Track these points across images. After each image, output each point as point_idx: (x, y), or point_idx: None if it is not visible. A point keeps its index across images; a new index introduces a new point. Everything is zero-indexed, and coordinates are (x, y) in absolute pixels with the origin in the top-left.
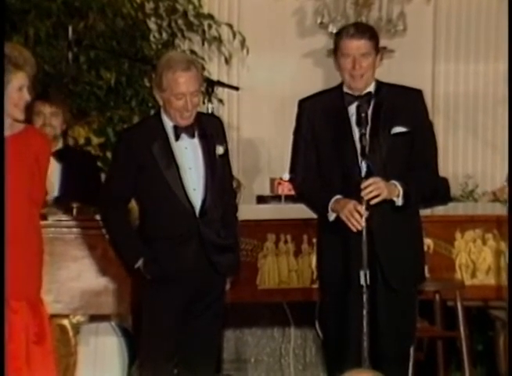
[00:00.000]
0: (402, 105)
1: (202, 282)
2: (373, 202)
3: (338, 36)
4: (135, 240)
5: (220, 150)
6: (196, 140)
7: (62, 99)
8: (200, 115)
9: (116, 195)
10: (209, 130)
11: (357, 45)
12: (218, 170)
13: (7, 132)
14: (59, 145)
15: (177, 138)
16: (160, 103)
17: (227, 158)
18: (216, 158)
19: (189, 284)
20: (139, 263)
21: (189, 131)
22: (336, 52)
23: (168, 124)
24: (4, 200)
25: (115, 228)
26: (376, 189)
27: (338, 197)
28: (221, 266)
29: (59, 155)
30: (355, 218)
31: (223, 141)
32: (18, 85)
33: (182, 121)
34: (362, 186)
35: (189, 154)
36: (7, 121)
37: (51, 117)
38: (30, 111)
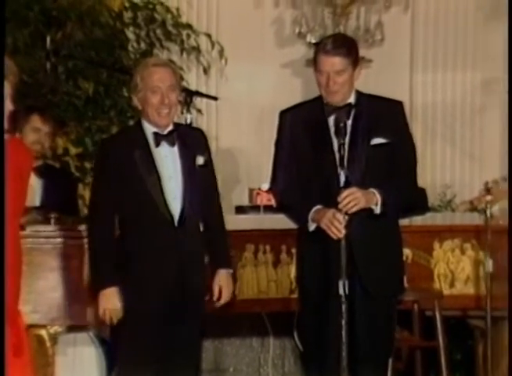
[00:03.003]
0: (382, 116)
1: (180, 290)
2: (350, 211)
3: (316, 49)
4: (111, 264)
5: (200, 160)
6: (175, 149)
7: (55, 119)
8: (180, 125)
9: (103, 208)
10: (189, 140)
11: (331, 62)
12: (198, 180)
13: None
14: (40, 161)
15: (157, 144)
16: (139, 107)
17: (209, 169)
18: (196, 168)
19: (166, 292)
20: (107, 291)
21: (169, 139)
22: (315, 64)
23: (149, 131)
24: (4, 205)
25: (97, 244)
26: (352, 199)
27: (318, 207)
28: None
29: (39, 171)
30: (335, 226)
31: (204, 151)
32: None
33: (160, 120)
34: (339, 198)
35: (169, 163)
36: None
37: (45, 137)
38: (23, 122)
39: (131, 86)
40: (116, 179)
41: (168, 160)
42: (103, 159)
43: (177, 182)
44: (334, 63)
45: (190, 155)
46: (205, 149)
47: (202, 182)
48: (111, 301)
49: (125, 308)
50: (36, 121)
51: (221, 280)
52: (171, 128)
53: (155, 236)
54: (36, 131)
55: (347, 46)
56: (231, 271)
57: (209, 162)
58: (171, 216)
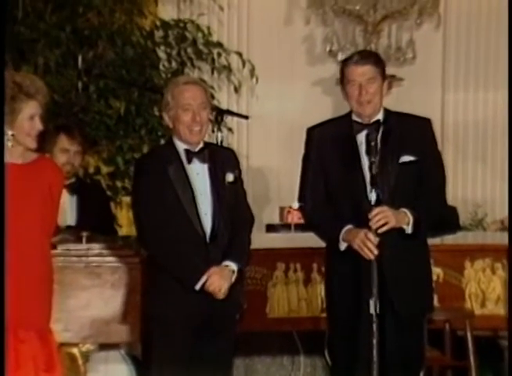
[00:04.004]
0: (411, 133)
1: (211, 307)
2: (380, 231)
3: (343, 65)
4: (193, 260)
5: (230, 177)
6: (205, 166)
7: (84, 136)
8: (212, 144)
9: (152, 221)
10: (220, 158)
11: (362, 71)
12: (227, 197)
13: (18, 160)
14: (72, 178)
15: (189, 161)
16: (170, 125)
17: (239, 187)
18: (225, 185)
19: (197, 308)
20: (203, 280)
21: (200, 156)
22: (342, 80)
23: (180, 148)
24: (4, 224)
25: (167, 249)
26: (383, 217)
27: (349, 226)
28: (225, 306)
29: (73, 188)
30: (368, 246)
31: (234, 169)
32: (29, 114)
33: (192, 138)
34: (370, 216)
35: (200, 179)
36: (19, 149)
37: (75, 156)
38: (51, 143)
39: (162, 104)
40: (153, 195)
41: (200, 177)
42: (140, 176)
43: (207, 199)
44: (365, 71)
45: (220, 172)
46: (235, 167)
47: (231, 198)
48: (221, 279)
49: (154, 323)
50: (63, 141)
51: (213, 269)
52: (201, 145)
53: (188, 250)
54: (65, 152)
55: (374, 56)
56: (232, 267)
57: (239, 180)
58: (204, 232)
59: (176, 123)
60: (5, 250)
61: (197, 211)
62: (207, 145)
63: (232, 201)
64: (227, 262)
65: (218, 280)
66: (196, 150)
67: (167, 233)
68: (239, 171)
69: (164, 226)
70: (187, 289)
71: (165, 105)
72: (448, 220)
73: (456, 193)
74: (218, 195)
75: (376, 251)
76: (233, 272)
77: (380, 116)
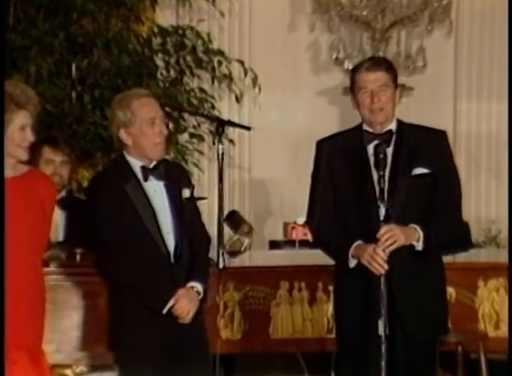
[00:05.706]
0: (425, 145)
1: (179, 330)
2: (388, 250)
3: (354, 72)
4: (158, 283)
5: (186, 192)
6: (162, 183)
7: (71, 147)
8: (164, 160)
9: (113, 243)
10: (174, 173)
11: (374, 78)
12: (186, 214)
13: (9, 173)
14: (63, 193)
15: (145, 179)
16: (129, 142)
17: (194, 203)
18: (182, 202)
19: (163, 329)
20: (170, 304)
21: (156, 173)
22: (353, 88)
23: (136, 166)
24: (4, 242)
25: (130, 274)
26: (391, 236)
27: (359, 242)
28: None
29: (63, 203)
30: (377, 261)
31: (189, 185)
32: (20, 125)
33: (157, 152)
34: (378, 235)
35: (158, 197)
36: (11, 161)
37: (61, 167)
38: (36, 156)
39: (117, 123)
40: (113, 214)
41: (157, 195)
42: (98, 195)
43: (167, 217)
44: (377, 78)
45: (176, 189)
46: (189, 182)
47: (189, 216)
48: (189, 303)
49: (122, 349)
50: (47, 152)
51: (181, 292)
52: (155, 162)
53: (153, 272)
54: (50, 163)
55: (386, 62)
56: (199, 289)
57: (193, 196)
58: (168, 252)
59: (140, 138)
60: (5, 266)
61: (160, 231)
62: (159, 161)
63: (190, 218)
64: (193, 283)
65: (187, 304)
66: (151, 166)
67: (130, 255)
68: (193, 187)
69: (127, 247)
70: (153, 313)
71: (125, 121)
72: (460, 237)
73: (468, 209)
74: (178, 212)
75: (386, 266)
76: (199, 293)
77: (392, 126)
